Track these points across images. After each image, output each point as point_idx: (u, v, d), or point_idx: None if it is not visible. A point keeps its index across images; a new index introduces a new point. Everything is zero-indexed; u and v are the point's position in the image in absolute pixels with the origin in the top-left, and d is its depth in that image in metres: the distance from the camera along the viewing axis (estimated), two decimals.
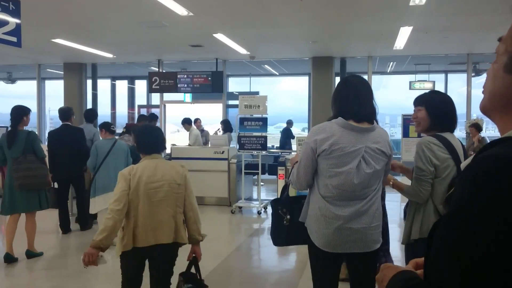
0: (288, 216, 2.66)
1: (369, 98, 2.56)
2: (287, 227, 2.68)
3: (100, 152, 5.72)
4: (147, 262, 3.11)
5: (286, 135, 13.05)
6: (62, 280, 4.82)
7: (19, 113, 5.28)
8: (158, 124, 9.91)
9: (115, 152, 5.72)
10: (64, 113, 6.62)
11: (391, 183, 2.83)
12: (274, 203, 2.81)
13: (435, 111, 2.70)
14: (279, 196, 2.94)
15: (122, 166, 5.27)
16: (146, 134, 3.14)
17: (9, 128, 5.37)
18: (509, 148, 0.79)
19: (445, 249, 0.79)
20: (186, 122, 10.50)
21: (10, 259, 5.17)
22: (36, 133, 5.83)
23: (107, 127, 5.99)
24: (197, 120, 11.48)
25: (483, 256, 0.72)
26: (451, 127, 2.74)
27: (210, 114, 12.36)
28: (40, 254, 5.43)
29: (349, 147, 2.45)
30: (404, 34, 8.73)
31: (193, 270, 3.25)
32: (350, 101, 2.51)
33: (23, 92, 17.10)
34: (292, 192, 3.10)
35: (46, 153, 5.61)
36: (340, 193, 2.48)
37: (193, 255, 3.19)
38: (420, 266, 1.06)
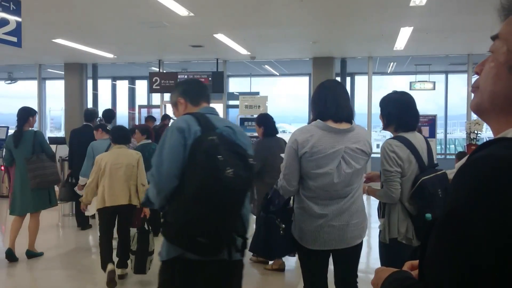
0: (283, 225, 2.71)
1: (346, 99, 2.67)
2: (283, 236, 2.70)
3: (97, 153, 5.72)
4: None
5: None
6: (62, 280, 4.83)
7: (25, 114, 5.37)
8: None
9: None
10: (88, 114, 6.92)
11: (366, 190, 2.96)
12: (268, 214, 2.79)
13: (384, 112, 2.90)
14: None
15: None
16: (116, 131, 4.79)
17: (15, 128, 5.46)
18: (503, 148, 0.78)
19: (441, 250, 0.78)
20: None
21: (11, 255, 5.19)
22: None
23: (104, 127, 6.05)
24: None
25: (480, 257, 0.72)
26: (408, 126, 2.84)
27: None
28: (40, 254, 5.44)
29: (328, 148, 2.53)
30: (404, 35, 8.73)
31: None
32: (328, 103, 2.61)
33: (23, 92, 17.11)
34: None
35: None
36: (322, 193, 2.57)
37: (144, 214, 4.54)
38: (415, 268, 1.06)
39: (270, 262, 5.06)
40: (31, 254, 5.35)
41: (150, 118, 9.94)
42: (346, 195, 2.60)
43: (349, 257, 2.75)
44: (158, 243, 3.77)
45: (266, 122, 4.96)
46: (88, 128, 6.73)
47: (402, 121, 2.84)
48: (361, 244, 2.74)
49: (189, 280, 2.16)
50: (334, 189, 2.55)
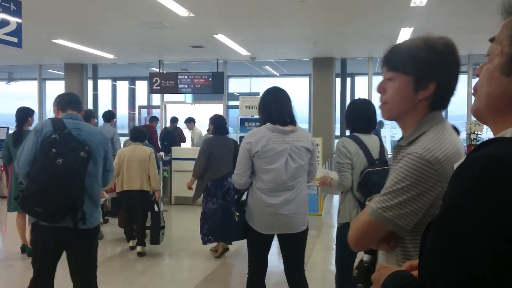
0: (238, 213, 3.14)
1: (288, 105, 3.12)
2: (237, 223, 3.13)
3: None
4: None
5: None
6: (63, 280, 4.82)
7: (25, 114, 5.45)
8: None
9: None
10: (86, 114, 7.08)
11: (328, 182, 3.43)
12: (226, 203, 3.26)
13: (345, 115, 3.47)
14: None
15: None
16: (134, 131, 5.96)
17: (15, 128, 5.53)
18: (501, 148, 0.79)
19: (437, 248, 0.79)
20: (191, 121, 10.56)
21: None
22: None
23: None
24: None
25: (475, 256, 0.72)
26: (362, 129, 3.36)
27: (211, 115, 12.39)
28: None
29: (277, 147, 2.98)
30: (404, 35, 8.74)
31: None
32: (272, 111, 3.06)
33: (24, 92, 17.11)
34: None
35: None
36: (273, 185, 3.01)
37: (154, 197, 5.54)
38: (414, 267, 1.07)
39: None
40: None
41: (154, 118, 10.64)
42: (293, 187, 3.05)
43: (297, 242, 3.19)
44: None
45: (216, 121, 5.57)
46: None
47: (355, 125, 3.38)
48: (306, 231, 3.19)
49: (44, 241, 3.00)
50: (282, 182, 3.01)
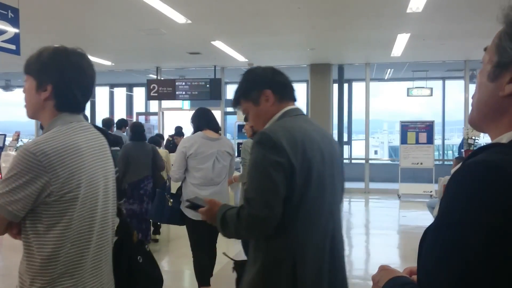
0: (172, 200, 3.97)
1: (214, 117, 4.17)
2: (170, 209, 3.95)
3: None
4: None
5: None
6: None
7: None
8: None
9: None
10: (106, 122, 8.01)
11: (233, 178, 4.41)
12: (162, 191, 4.20)
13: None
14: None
15: None
16: (153, 136, 6.84)
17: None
18: (497, 154, 0.79)
19: (435, 253, 0.80)
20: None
21: None
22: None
23: None
24: None
25: (472, 261, 0.73)
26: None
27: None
28: None
29: (207, 151, 3.83)
30: (401, 41, 8.77)
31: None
32: (206, 119, 4.02)
33: (21, 100, 17.07)
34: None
35: None
36: (202, 181, 3.82)
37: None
38: (414, 273, 1.08)
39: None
40: None
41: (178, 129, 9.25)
42: (218, 183, 3.91)
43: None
44: None
45: (134, 129, 6.03)
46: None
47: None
48: None
49: None
50: (210, 179, 3.84)
